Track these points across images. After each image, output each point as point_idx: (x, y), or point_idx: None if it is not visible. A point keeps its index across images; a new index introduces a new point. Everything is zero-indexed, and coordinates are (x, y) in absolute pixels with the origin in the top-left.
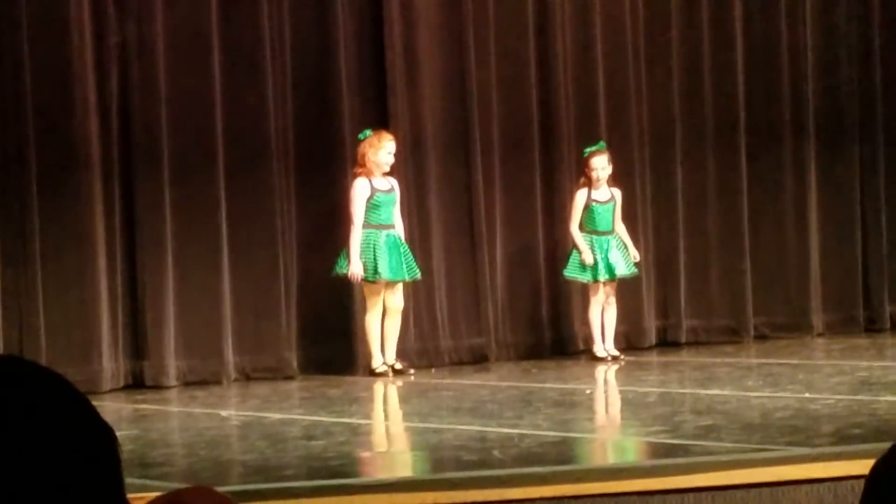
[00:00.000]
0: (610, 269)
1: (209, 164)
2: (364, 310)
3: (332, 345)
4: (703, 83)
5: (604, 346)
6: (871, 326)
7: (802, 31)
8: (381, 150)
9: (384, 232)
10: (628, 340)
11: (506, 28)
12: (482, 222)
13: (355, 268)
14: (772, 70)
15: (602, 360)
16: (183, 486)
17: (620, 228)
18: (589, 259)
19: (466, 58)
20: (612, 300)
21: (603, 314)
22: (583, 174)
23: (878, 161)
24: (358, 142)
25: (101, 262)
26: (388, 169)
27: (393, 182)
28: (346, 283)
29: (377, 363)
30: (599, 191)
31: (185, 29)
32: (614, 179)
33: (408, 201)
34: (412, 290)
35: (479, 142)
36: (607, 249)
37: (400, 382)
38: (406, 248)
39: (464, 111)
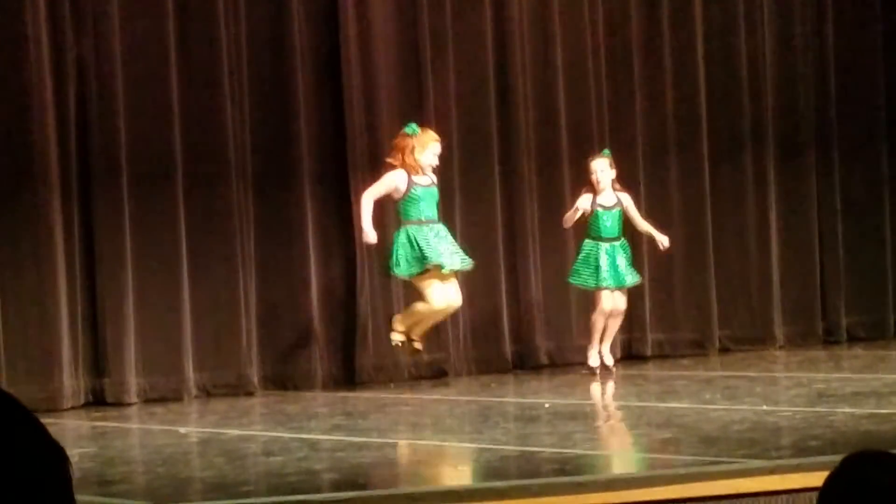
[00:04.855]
0: (617, 277)
1: (168, 181)
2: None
3: (292, 361)
4: (664, 98)
5: (600, 350)
6: (829, 338)
7: (761, 46)
8: (428, 150)
9: (431, 226)
10: None
11: (464, 44)
12: None
13: (367, 233)
14: (731, 85)
15: (593, 370)
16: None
17: (644, 226)
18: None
19: (424, 74)
20: (622, 308)
21: (607, 322)
22: (587, 180)
23: (833, 174)
24: (404, 135)
25: (61, 278)
26: (430, 170)
27: (433, 178)
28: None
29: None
30: (604, 196)
31: (143, 45)
32: (620, 184)
33: None
34: (371, 306)
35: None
36: (614, 256)
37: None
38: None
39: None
